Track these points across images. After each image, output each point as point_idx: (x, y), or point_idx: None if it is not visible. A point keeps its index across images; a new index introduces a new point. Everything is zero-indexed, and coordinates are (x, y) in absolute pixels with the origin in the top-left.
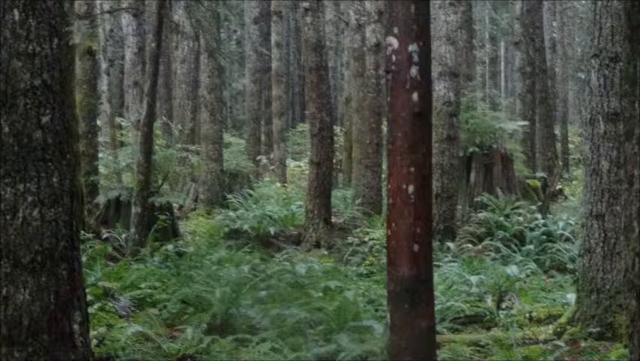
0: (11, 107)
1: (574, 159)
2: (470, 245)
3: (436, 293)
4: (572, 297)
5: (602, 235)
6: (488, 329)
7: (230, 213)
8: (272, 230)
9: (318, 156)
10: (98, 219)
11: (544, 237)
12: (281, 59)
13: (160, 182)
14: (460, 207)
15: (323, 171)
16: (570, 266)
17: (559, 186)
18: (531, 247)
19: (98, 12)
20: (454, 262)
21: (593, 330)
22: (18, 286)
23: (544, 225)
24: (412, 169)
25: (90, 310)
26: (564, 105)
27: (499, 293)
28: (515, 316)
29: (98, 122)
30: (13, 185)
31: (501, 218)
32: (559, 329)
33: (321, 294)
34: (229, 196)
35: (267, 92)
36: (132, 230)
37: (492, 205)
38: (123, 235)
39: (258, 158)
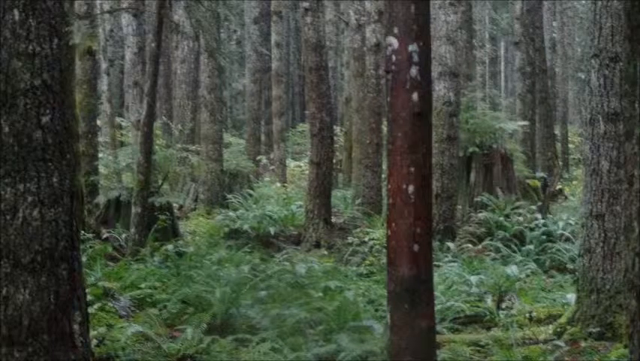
0: (11, 107)
1: (574, 159)
2: (470, 245)
3: (436, 293)
4: (572, 297)
5: (602, 235)
6: (488, 329)
7: (230, 213)
8: (272, 230)
9: (318, 156)
10: (98, 219)
11: (544, 237)
12: (281, 59)
13: (160, 182)
14: (460, 207)
15: (323, 171)
16: (570, 266)
17: (559, 186)
18: (531, 247)
19: (98, 12)
20: (454, 262)
21: (593, 330)
22: (18, 286)
23: (544, 225)
24: (412, 169)
25: (90, 310)
26: (564, 105)
27: (499, 293)
28: (515, 316)
29: (98, 122)
30: (13, 185)
31: (501, 218)
32: (559, 329)
33: (321, 294)
34: (229, 196)
35: (267, 92)
36: (132, 230)
37: (492, 205)
38: (123, 235)
39: (258, 158)
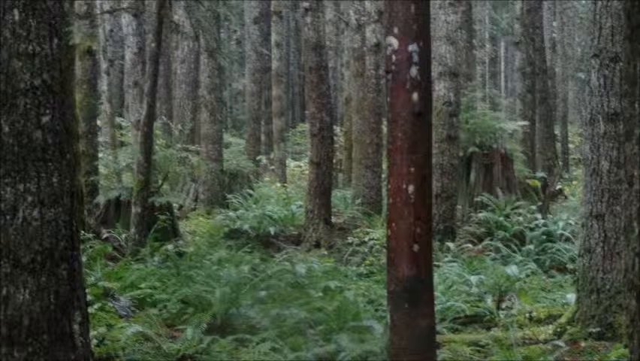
0: (11, 107)
1: (574, 159)
2: (470, 245)
3: (436, 293)
4: (572, 297)
5: (602, 235)
6: (488, 329)
7: (230, 213)
8: (272, 230)
9: (318, 156)
10: (98, 219)
11: (544, 237)
12: (281, 59)
13: (160, 182)
14: (460, 207)
15: (323, 171)
16: (570, 266)
17: (559, 186)
18: (531, 247)
19: (98, 12)
20: (454, 262)
21: (593, 330)
22: (18, 286)
23: (544, 225)
24: (412, 169)
25: (90, 310)
26: (564, 105)
27: (499, 293)
28: (515, 316)
29: (98, 122)
30: (13, 185)
31: (501, 218)
32: (559, 329)
33: (321, 294)
34: (229, 196)
35: (267, 92)
36: (132, 230)
37: (492, 205)
38: (123, 235)
39: (258, 158)
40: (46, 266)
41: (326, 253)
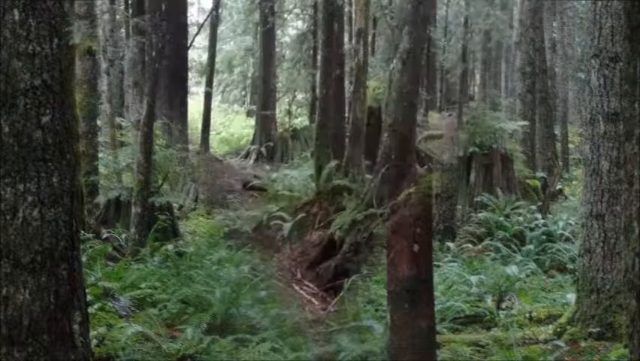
0: (11, 107)
1: (574, 159)
2: (470, 245)
3: (436, 293)
4: (572, 297)
5: (602, 235)
6: (488, 329)
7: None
8: None
9: None
10: (98, 219)
11: (544, 237)
12: None
13: (160, 182)
14: (460, 207)
15: None
16: (570, 266)
17: (559, 186)
18: (531, 247)
19: (98, 12)
20: (454, 262)
21: (593, 330)
22: (18, 286)
23: (544, 225)
24: None
25: (90, 310)
26: (564, 105)
27: (499, 293)
28: (515, 316)
29: (98, 122)
30: (13, 185)
31: (501, 218)
32: (559, 329)
33: None
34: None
35: None
36: (132, 230)
37: (492, 205)
38: (123, 235)
39: None
40: (46, 266)
41: None
